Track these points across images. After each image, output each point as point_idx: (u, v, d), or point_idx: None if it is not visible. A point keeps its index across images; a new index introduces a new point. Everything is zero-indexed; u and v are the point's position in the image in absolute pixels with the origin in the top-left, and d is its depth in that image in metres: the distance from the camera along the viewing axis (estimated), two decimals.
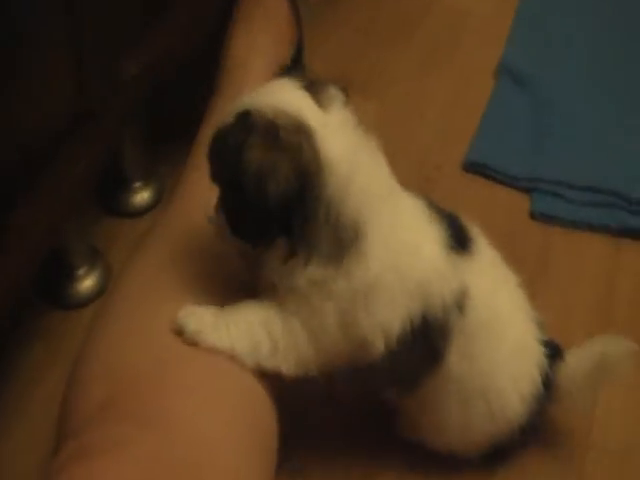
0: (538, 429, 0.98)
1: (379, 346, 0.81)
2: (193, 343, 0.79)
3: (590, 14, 1.83)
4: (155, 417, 0.74)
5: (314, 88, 0.79)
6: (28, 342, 1.16)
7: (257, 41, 1.15)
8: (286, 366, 0.82)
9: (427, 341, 0.84)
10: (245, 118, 0.75)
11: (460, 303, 0.84)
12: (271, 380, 0.84)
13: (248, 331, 0.80)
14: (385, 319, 0.80)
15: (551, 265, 1.31)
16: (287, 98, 0.77)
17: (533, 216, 1.38)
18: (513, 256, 1.28)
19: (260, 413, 0.83)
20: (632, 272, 1.31)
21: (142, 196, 1.33)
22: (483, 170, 1.44)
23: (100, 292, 1.20)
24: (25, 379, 1.13)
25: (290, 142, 0.74)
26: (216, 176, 0.79)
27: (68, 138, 1.03)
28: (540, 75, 1.63)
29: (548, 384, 0.95)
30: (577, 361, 0.96)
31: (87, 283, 1.20)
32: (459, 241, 0.87)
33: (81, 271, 1.20)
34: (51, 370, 1.12)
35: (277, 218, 0.75)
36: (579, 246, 1.34)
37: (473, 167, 1.45)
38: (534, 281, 1.25)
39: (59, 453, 0.73)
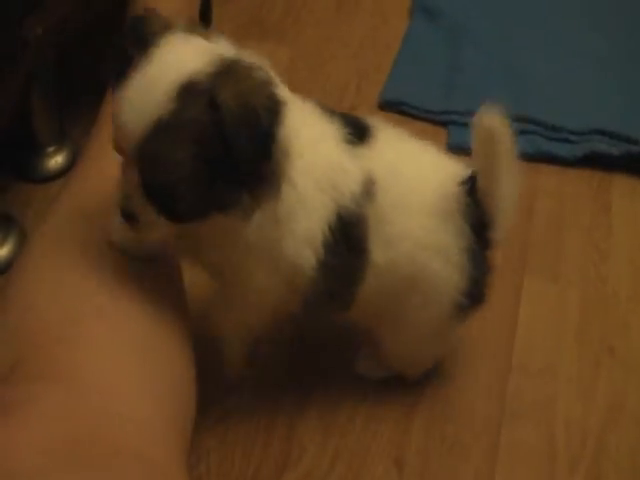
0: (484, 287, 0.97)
1: (310, 261, 0.85)
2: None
3: None
4: (64, 372, 0.76)
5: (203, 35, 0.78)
6: None
7: None
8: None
9: (349, 239, 0.87)
10: (192, 87, 0.72)
11: (368, 190, 0.87)
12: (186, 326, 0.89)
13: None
14: (308, 231, 0.84)
15: None
16: (210, 48, 0.76)
17: (450, 148, 1.42)
18: None
19: (173, 362, 0.86)
20: (549, 195, 1.37)
21: (56, 160, 1.36)
22: (399, 107, 1.49)
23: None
24: None
25: (256, 81, 0.74)
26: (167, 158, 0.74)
27: None
28: (454, 8, 1.69)
29: (481, 233, 0.93)
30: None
31: (1, 252, 1.23)
32: (357, 134, 0.88)
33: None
34: None
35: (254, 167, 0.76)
36: None
37: (389, 105, 1.49)
38: None
39: None
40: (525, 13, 1.69)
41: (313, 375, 1.12)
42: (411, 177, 0.91)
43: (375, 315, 0.98)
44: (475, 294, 0.95)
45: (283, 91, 0.78)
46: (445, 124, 1.47)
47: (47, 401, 0.72)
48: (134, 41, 0.74)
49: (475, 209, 0.91)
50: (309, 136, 0.83)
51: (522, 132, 1.43)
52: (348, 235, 0.86)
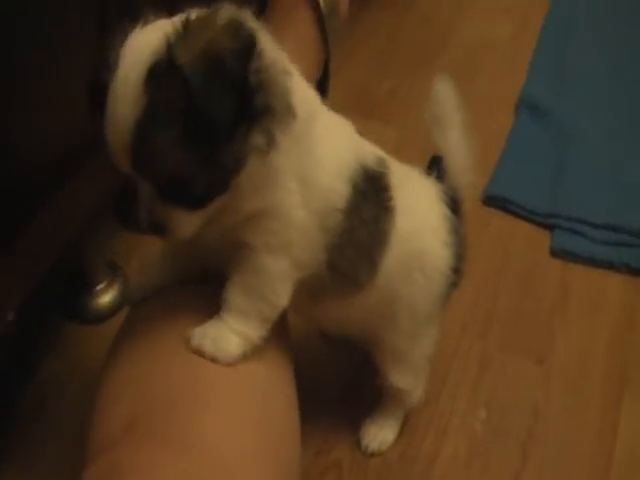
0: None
1: (341, 190, 0.87)
2: (215, 361, 0.86)
3: (609, 45, 2.01)
4: (183, 436, 0.79)
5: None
6: (47, 356, 1.25)
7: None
8: (285, 296, 0.89)
9: (376, 189, 0.92)
10: (157, 68, 0.72)
11: (382, 161, 0.95)
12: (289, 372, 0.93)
13: (246, 313, 0.87)
14: (336, 160, 0.87)
15: (570, 301, 1.42)
16: (168, 22, 0.77)
17: (553, 252, 1.48)
18: (533, 291, 1.40)
19: (283, 418, 0.90)
20: None
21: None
22: (503, 204, 1.56)
23: (119, 307, 1.28)
24: (44, 393, 1.21)
25: (215, 28, 0.75)
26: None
27: (94, 151, 1.13)
28: (560, 108, 1.78)
29: (456, 210, 1.05)
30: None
31: (106, 298, 1.29)
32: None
33: (100, 286, 1.29)
34: (69, 385, 1.21)
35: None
36: (599, 283, 1.45)
37: (493, 201, 1.56)
38: (553, 317, 1.37)
39: (87, 471, 0.78)
40: (633, 124, 1.76)
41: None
42: (403, 168, 1.01)
43: (381, 304, 1.01)
44: (459, 269, 1.04)
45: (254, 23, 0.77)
46: (550, 227, 1.52)
47: (168, 469, 0.75)
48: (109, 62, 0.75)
49: (448, 191, 1.04)
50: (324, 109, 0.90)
51: (625, 244, 1.49)
52: (375, 188, 0.92)
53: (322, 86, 1.31)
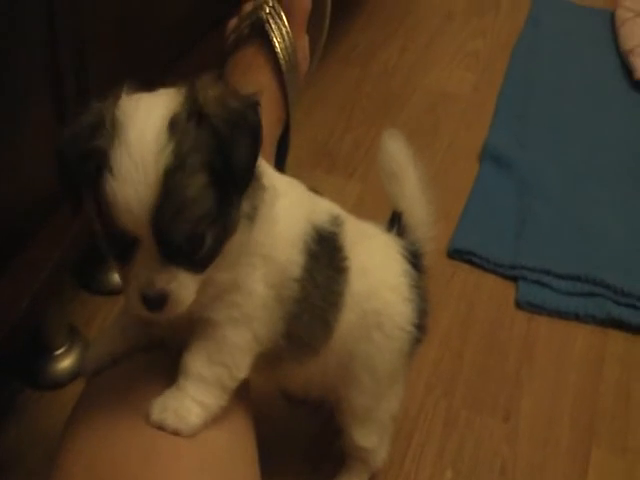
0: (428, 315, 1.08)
1: (297, 260, 0.89)
2: (177, 433, 0.87)
3: (571, 94, 2.09)
4: None
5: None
6: (5, 423, 1.24)
7: None
8: (245, 367, 0.90)
9: (330, 252, 0.94)
10: (176, 121, 0.74)
11: (337, 219, 0.96)
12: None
13: (206, 383, 0.88)
14: (293, 233, 0.89)
15: (536, 355, 1.44)
16: (160, 92, 0.80)
17: (519, 304, 1.51)
18: (498, 345, 1.43)
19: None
20: (618, 362, 1.44)
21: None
22: (468, 257, 1.59)
23: (78, 372, 1.27)
24: (2, 460, 1.21)
25: (220, 87, 0.79)
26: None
27: (53, 216, 1.15)
28: (524, 158, 1.83)
29: (418, 265, 1.07)
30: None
31: (65, 363, 1.29)
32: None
33: (60, 351, 1.29)
34: (29, 452, 1.21)
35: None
36: (564, 335, 1.48)
37: (458, 253, 1.59)
38: (519, 371, 1.39)
39: None
40: (596, 171, 1.82)
41: None
42: (361, 224, 1.04)
43: (340, 365, 1.03)
44: (423, 325, 1.06)
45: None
46: (515, 279, 1.55)
47: None
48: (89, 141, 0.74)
49: (409, 246, 1.06)
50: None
51: (591, 294, 1.52)
52: (329, 250, 0.94)
53: (284, 142, 1.34)
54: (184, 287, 0.77)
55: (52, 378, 1.28)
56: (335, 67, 2.04)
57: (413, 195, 1.08)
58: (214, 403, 0.88)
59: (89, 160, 0.74)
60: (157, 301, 0.77)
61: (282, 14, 1.28)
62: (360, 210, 1.61)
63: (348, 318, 0.97)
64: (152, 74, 1.26)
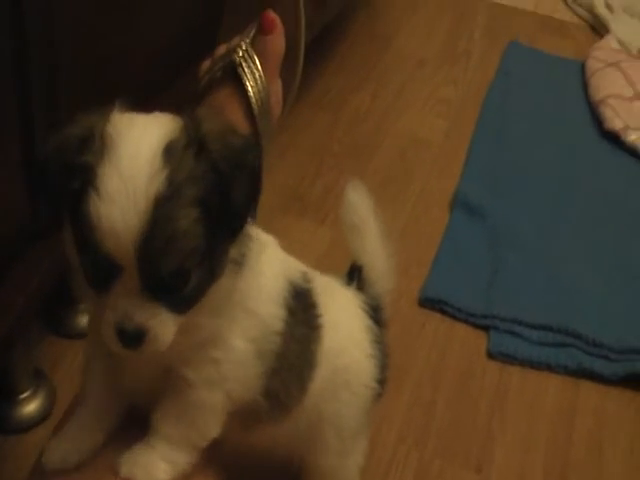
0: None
1: (279, 314, 0.88)
2: None
3: (544, 141, 2.13)
4: None
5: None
6: None
7: None
8: (216, 427, 0.89)
9: (306, 309, 0.94)
10: (174, 147, 0.72)
11: (307, 276, 0.96)
12: None
13: (175, 441, 0.86)
14: (274, 289, 0.88)
15: (508, 405, 1.45)
16: (156, 115, 0.78)
17: (491, 354, 1.52)
18: (470, 395, 1.43)
19: None
20: (590, 412, 1.46)
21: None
22: (440, 305, 1.60)
23: (44, 417, 1.28)
24: None
25: (222, 123, 0.78)
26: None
27: (20, 259, 1.14)
28: (495, 206, 1.86)
29: (378, 319, 1.07)
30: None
31: (30, 407, 1.28)
32: None
33: (24, 395, 1.28)
34: None
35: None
36: (536, 385, 1.49)
37: (429, 302, 1.61)
38: (490, 421, 1.39)
39: None
40: (568, 221, 1.86)
41: None
42: (323, 281, 1.03)
43: (308, 426, 1.02)
44: (383, 379, 1.07)
45: None
46: (486, 328, 1.57)
47: None
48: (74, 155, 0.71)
49: (369, 301, 1.06)
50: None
51: (563, 345, 1.54)
52: (304, 305, 0.93)
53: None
54: (164, 326, 0.74)
55: (16, 422, 1.27)
56: (307, 112, 2.07)
57: (374, 249, 1.08)
58: (183, 461, 0.87)
59: (74, 175, 0.70)
60: (134, 337, 0.73)
61: (255, 58, 1.29)
62: (332, 255, 1.66)
63: (321, 375, 0.97)
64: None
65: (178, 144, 0.71)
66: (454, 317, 1.59)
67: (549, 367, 1.51)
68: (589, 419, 1.45)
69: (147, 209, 0.68)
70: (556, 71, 2.48)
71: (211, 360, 0.83)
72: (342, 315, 1.02)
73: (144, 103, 1.36)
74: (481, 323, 1.57)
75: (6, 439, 1.26)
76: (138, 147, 0.70)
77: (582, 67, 2.45)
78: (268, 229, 1.46)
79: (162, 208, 0.68)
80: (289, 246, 1.62)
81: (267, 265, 0.86)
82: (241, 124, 1.30)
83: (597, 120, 2.20)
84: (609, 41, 2.57)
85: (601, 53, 2.46)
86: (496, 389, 1.47)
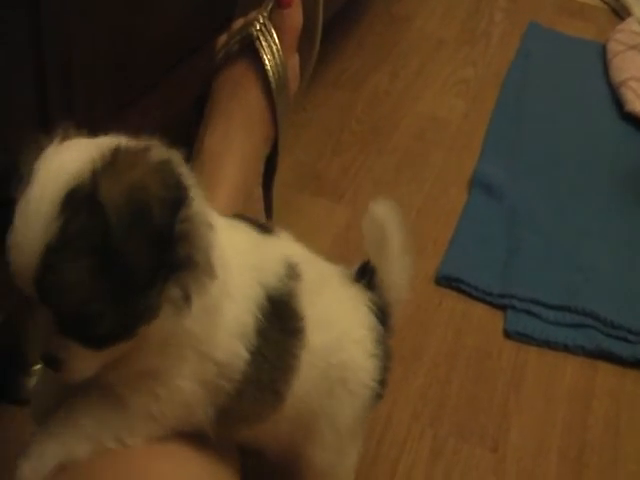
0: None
1: (241, 354, 0.84)
2: None
3: (562, 127, 2.10)
4: None
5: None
6: None
7: (234, 138, 1.25)
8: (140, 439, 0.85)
9: (283, 319, 0.89)
10: (75, 194, 0.69)
11: (293, 271, 0.90)
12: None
13: (85, 437, 0.83)
14: (236, 321, 0.83)
15: (524, 385, 1.43)
16: (94, 143, 0.75)
17: (507, 334, 1.50)
18: (486, 374, 1.42)
19: None
20: (607, 394, 1.44)
21: None
22: (456, 284, 1.59)
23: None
24: None
25: (147, 167, 0.73)
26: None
27: None
28: (513, 186, 1.83)
29: (384, 321, 1.03)
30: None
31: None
32: (264, 229, 0.94)
33: (38, 365, 1.25)
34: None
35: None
36: (553, 366, 1.48)
37: (446, 280, 1.59)
38: (507, 401, 1.38)
39: None
40: (586, 202, 1.83)
41: None
42: (325, 267, 1.00)
43: (300, 424, 0.98)
44: (384, 381, 1.02)
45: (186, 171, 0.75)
46: (503, 307, 1.55)
47: None
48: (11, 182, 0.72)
49: (377, 302, 1.02)
50: (220, 225, 0.84)
51: (580, 325, 1.52)
52: (282, 315, 0.88)
53: (271, 163, 1.33)
54: (78, 360, 0.74)
55: (30, 392, 1.24)
56: (325, 91, 2.05)
57: (393, 261, 1.03)
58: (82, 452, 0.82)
59: (4, 209, 0.71)
60: (52, 362, 0.75)
61: (273, 31, 1.28)
62: (348, 235, 1.64)
63: (308, 376, 0.92)
64: (137, 92, 1.27)
65: (81, 192, 0.69)
66: (471, 296, 1.57)
67: (566, 348, 1.49)
68: (606, 400, 1.42)
69: (39, 257, 0.68)
70: (576, 53, 2.45)
71: (151, 394, 0.81)
72: (340, 310, 0.97)
73: (157, 82, 1.35)
74: (498, 302, 1.55)
75: (21, 409, 1.25)
76: (45, 189, 0.69)
77: (602, 49, 2.42)
78: (284, 207, 1.47)
79: (52, 257, 0.68)
80: (305, 224, 1.65)
81: (231, 303, 0.82)
82: (257, 98, 1.28)
83: (617, 102, 2.18)
84: (630, 24, 2.53)
85: (622, 36, 2.43)
86: (513, 369, 1.45)
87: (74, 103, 1.12)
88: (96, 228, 0.67)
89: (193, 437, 0.87)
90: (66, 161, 0.71)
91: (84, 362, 0.75)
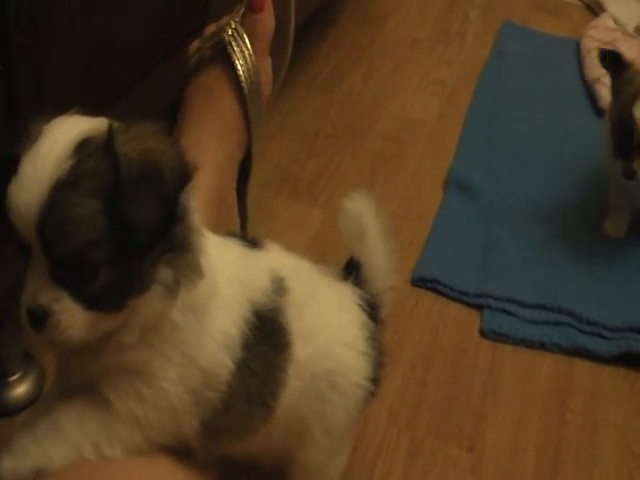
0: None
1: (226, 364, 0.85)
2: None
3: (537, 121, 2.12)
4: None
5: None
6: None
7: (207, 145, 1.25)
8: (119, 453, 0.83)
9: (270, 335, 0.90)
10: (89, 142, 0.73)
11: (279, 285, 0.92)
12: None
13: (63, 442, 0.82)
14: (223, 333, 0.85)
15: (501, 384, 1.44)
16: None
17: (483, 333, 1.51)
18: (463, 374, 1.43)
19: None
20: (584, 391, 1.45)
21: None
22: (432, 285, 1.60)
23: (33, 400, 1.27)
24: None
25: (163, 140, 0.77)
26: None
27: None
28: (488, 186, 1.85)
29: (375, 316, 1.04)
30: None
31: (20, 389, 1.27)
32: (253, 243, 0.96)
33: (14, 377, 1.28)
34: None
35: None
36: (529, 364, 1.49)
37: (422, 281, 1.60)
38: (483, 400, 1.39)
39: None
40: (561, 200, 1.84)
41: None
42: (313, 275, 1.00)
43: (291, 431, 0.99)
44: (378, 378, 1.04)
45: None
46: (479, 307, 1.56)
47: None
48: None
49: (366, 297, 1.03)
50: (210, 239, 0.86)
51: (556, 323, 1.53)
52: (268, 331, 0.89)
53: (245, 168, 1.34)
54: (68, 315, 0.74)
55: (5, 405, 1.26)
56: (299, 93, 2.06)
57: (373, 249, 1.05)
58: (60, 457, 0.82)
59: (8, 165, 0.73)
60: (37, 318, 0.73)
61: (245, 36, 1.28)
62: (324, 237, 1.65)
63: (294, 388, 0.93)
64: (112, 95, 1.27)
65: (94, 141, 0.73)
66: (447, 296, 1.58)
67: (543, 346, 1.50)
68: (583, 397, 1.44)
69: (47, 192, 0.70)
70: (551, 50, 2.47)
71: (137, 395, 0.81)
72: (327, 316, 0.98)
73: (130, 88, 1.35)
74: (474, 302, 1.56)
75: None
76: (56, 139, 0.73)
77: (577, 46, 2.44)
78: (260, 210, 1.47)
79: (59, 192, 0.70)
80: (281, 227, 1.65)
81: (220, 310, 0.84)
82: (230, 103, 1.29)
83: (592, 99, 2.19)
84: (605, 20, 2.55)
85: (596, 32, 2.45)
86: (489, 368, 1.46)
87: (45, 105, 1.12)
88: (108, 173, 0.71)
89: (173, 454, 0.87)
90: (81, 121, 0.75)
91: (72, 319, 0.74)
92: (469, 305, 1.57)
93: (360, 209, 1.03)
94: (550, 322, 1.54)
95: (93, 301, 0.74)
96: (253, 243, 0.95)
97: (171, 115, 1.31)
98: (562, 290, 1.59)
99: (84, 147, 0.72)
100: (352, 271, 1.05)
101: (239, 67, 1.27)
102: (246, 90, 1.27)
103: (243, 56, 1.28)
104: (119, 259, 0.73)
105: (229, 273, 0.86)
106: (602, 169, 1.93)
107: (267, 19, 1.31)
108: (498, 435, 1.35)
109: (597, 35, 2.42)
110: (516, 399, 1.42)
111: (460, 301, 1.57)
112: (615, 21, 2.55)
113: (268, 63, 1.32)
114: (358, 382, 1.00)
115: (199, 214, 0.82)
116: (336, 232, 1.12)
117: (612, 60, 1.64)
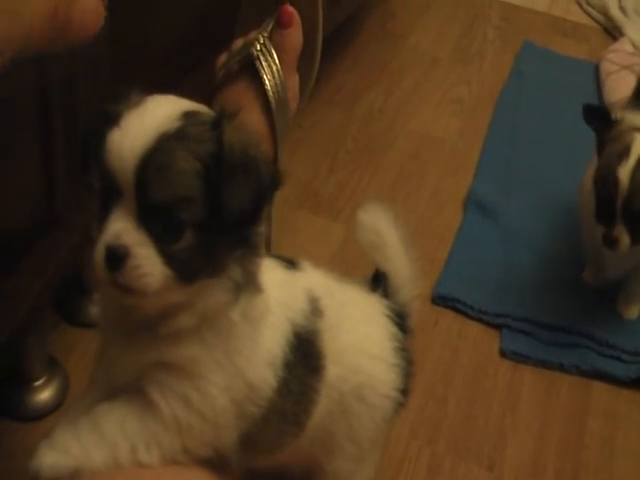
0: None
1: (270, 381, 0.87)
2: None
3: (555, 146, 2.12)
4: None
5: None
6: None
7: None
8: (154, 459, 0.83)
9: (308, 357, 0.92)
10: (196, 114, 0.77)
11: (315, 307, 0.93)
12: None
13: (103, 442, 0.82)
14: (270, 345, 0.86)
15: (520, 404, 1.46)
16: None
17: (503, 353, 1.52)
18: (482, 393, 1.43)
19: None
20: (602, 414, 1.46)
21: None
22: (452, 303, 1.61)
23: (57, 404, 1.28)
24: None
25: (257, 142, 0.81)
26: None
27: (36, 247, 1.15)
28: (508, 205, 1.87)
29: (404, 325, 1.05)
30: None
31: (45, 394, 1.29)
32: (290, 263, 0.97)
33: (39, 382, 1.29)
34: None
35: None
36: (549, 385, 1.50)
37: (442, 300, 1.61)
38: (503, 420, 1.40)
39: None
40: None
41: None
42: (344, 291, 1.01)
43: (319, 442, 1.01)
44: (407, 388, 1.04)
45: None
46: (499, 327, 1.57)
47: None
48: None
49: (395, 307, 1.05)
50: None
51: (575, 345, 1.54)
52: (306, 352, 0.91)
53: (272, 182, 1.35)
54: (147, 259, 0.74)
55: (30, 409, 1.28)
56: (320, 108, 2.07)
57: (396, 258, 1.06)
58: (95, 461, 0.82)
59: (108, 120, 0.75)
60: (117, 256, 0.73)
61: (273, 51, 1.30)
62: (345, 252, 1.66)
63: (324, 404, 0.95)
64: None
65: (201, 116, 0.76)
66: (467, 315, 1.59)
67: (561, 367, 1.52)
68: (601, 420, 1.45)
69: (153, 140, 0.73)
70: (570, 72, 2.49)
71: (184, 398, 0.81)
72: (356, 333, 0.99)
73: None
74: (494, 322, 1.58)
75: (19, 427, 1.27)
76: (163, 103, 0.77)
77: (596, 69, 2.46)
78: (282, 224, 1.48)
79: (167, 143, 0.73)
80: (303, 242, 1.66)
81: (269, 329, 0.86)
82: (257, 118, 1.30)
83: None
84: (624, 44, 2.57)
85: (615, 56, 2.47)
86: (508, 388, 1.47)
87: (75, 113, 1.14)
88: (212, 146, 0.74)
89: (207, 466, 0.87)
90: (183, 100, 0.79)
91: (151, 267, 0.74)
92: (489, 325, 1.58)
93: (375, 219, 1.05)
94: (569, 344, 1.55)
95: (172, 260, 0.75)
96: (290, 263, 0.96)
97: None
98: (581, 312, 1.60)
99: (191, 117, 0.75)
100: (379, 282, 1.06)
101: (267, 82, 1.28)
102: (273, 105, 1.28)
103: (271, 71, 1.29)
104: (204, 229, 0.74)
105: (275, 294, 0.88)
106: None
107: (295, 35, 1.32)
108: (517, 455, 1.36)
109: (617, 59, 2.43)
110: (535, 419, 1.43)
111: (480, 320, 1.59)
112: (634, 46, 2.57)
113: (295, 79, 1.34)
114: (387, 394, 1.01)
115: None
116: (357, 248, 1.14)
117: (597, 116, 1.56)
